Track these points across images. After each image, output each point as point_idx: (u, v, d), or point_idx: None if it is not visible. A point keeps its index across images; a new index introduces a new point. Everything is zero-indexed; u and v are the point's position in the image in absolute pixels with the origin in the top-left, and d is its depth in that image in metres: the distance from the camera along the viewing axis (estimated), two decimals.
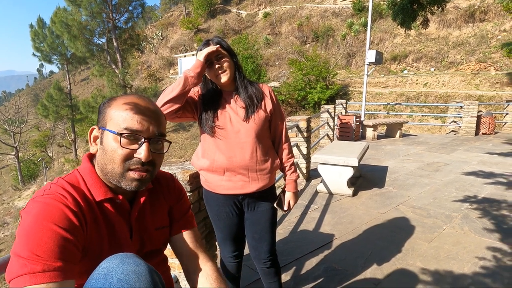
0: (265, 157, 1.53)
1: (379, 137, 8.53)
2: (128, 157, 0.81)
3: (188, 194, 1.69)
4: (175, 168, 1.72)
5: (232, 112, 1.48)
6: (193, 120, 1.57)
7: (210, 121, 1.47)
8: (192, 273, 0.97)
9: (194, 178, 1.69)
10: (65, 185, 0.78)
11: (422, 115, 11.83)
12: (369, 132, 8.26)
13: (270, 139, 1.60)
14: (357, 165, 3.76)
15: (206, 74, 1.50)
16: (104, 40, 18.81)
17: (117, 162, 0.80)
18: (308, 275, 2.27)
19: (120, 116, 0.81)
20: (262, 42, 21.73)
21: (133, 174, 0.81)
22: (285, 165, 1.63)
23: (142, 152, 0.80)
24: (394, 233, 2.91)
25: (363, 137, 8.44)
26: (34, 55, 21.48)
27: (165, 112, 1.40)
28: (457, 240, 2.76)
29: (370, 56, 8.36)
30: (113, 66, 18.39)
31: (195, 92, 1.55)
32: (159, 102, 1.40)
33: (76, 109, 19.51)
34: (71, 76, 26.98)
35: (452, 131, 9.57)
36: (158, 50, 29.87)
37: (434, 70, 14.72)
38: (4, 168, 27.14)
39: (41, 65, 73.79)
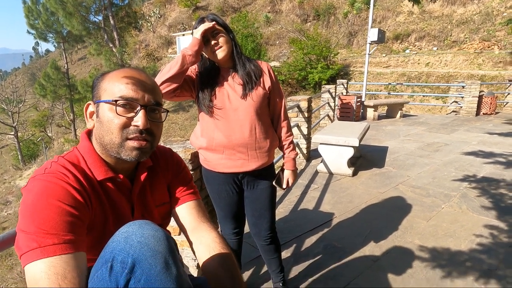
0: (264, 135, 1.52)
1: (380, 117, 8.50)
2: (125, 125, 0.79)
3: (191, 173, 1.69)
4: (177, 147, 1.71)
5: (230, 90, 1.47)
6: (191, 99, 1.55)
7: (208, 99, 1.46)
8: (196, 245, 0.93)
9: (196, 157, 1.69)
10: (66, 164, 0.77)
11: (423, 96, 11.73)
12: (370, 113, 8.22)
13: (269, 117, 1.59)
14: (357, 145, 3.76)
15: (203, 52, 1.47)
16: (100, 18, 18.36)
17: (114, 132, 0.79)
18: (308, 252, 2.31)
19: (114, 86, 0.79)
20: (262, 20, 21.19)
21: (132, 143, 0.80)
22: (283, 143, 1.62)
23: (139, 120, 0.79)
24: (393, 212, 2.95)
25: (363, 117, 8.40)
26: (28, 32, 20.97)
27: (163, 92, 1.38)
28: (455, 219, 2.80)
29: (372, 34, 8.18)
30: (111, 45, 18.05)
31: (192, 70, 1.52)
32: (157, 81, 1.38)
33: (74, 88, 19.26)
34: (68, 55, 26.53)
35: (453, 111, 9.52)
36: (156, 29, 29.19)
37: (437, 49, 14.48)
38: (4, 148, 27.18)
39: (37, 43, 72.63)
